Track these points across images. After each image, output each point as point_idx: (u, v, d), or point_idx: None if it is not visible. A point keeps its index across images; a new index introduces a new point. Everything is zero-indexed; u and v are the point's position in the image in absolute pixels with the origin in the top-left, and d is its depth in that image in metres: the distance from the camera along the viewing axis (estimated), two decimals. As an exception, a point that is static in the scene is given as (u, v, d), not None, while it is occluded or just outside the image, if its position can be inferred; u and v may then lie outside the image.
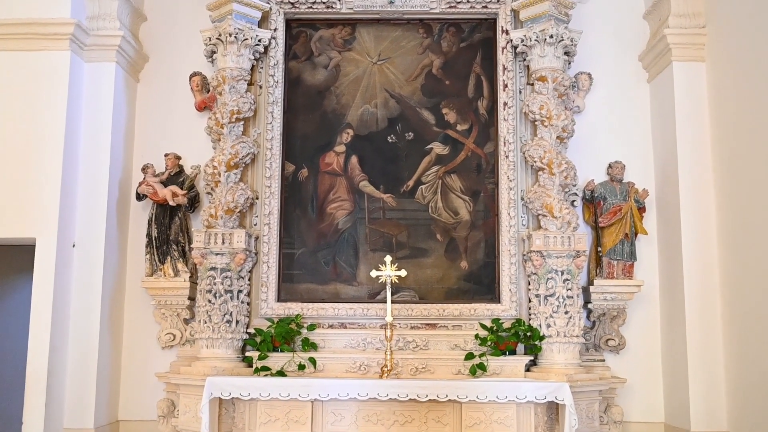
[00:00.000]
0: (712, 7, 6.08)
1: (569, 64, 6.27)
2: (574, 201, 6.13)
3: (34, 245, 5.86)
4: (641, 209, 6.22)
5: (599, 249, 6.19)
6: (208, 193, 6.12)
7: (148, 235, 6.28)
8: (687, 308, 5.91)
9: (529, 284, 5.96)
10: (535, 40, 5.98)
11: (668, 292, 6.22)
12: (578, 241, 5.82)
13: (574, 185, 6.07)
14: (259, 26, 6.22)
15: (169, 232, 6.27)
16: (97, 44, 6.28)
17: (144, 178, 6.29)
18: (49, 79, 5.98)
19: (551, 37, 5.93)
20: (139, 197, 6.33)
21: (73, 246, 6.09)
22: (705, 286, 5.95)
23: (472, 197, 6.26)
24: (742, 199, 5.62)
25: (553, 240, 5.81)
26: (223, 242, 5.88)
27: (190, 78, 6.53)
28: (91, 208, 6.16)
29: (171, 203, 6.20)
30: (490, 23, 6.41)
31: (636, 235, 6.19)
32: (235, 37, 6.02)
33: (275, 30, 6.32)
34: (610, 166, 6.30)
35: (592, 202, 6.24)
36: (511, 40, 6.17)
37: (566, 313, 5.76)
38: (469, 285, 6.16)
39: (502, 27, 6.29)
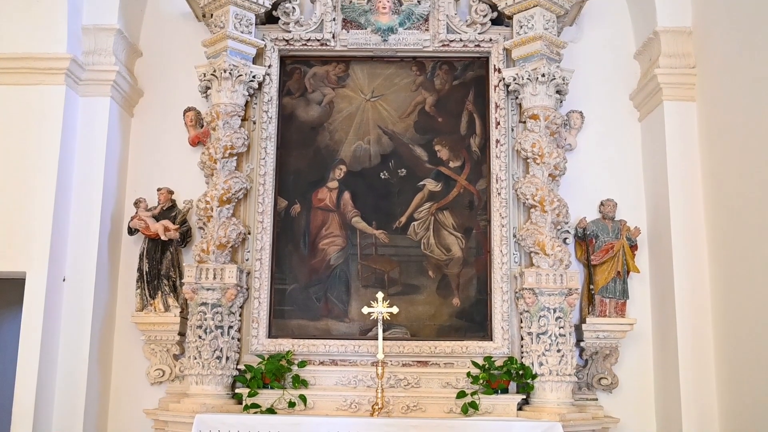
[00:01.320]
0: (701, 48, 6.16)
1: (561, 102, 6.32)
2: (566, 238, 6.14)
3: (24, 279, 5.82)
4: (633, 247, 6.23)
5: (591, 287, 6.18)
6: (200, 227, 6.11)
7: (139, 269, 6.25)
8: (680, 347, 5.88)
9: (522, 322, 5.94)
10: (527, 78, 6.03)
11: (661, 330, 6.20)
12: (570, 279, 5.82)
13: (566, 223, 6.08)
14: (254, 62, 6.26)
15: (160, 267, 6.24)
16: (93, 79, 6.31)
17: (136, 213, 6.29)
18: (43, 113, 6.00)
19: (543, 75, 5.99)
20: (131, 231, 6.32)
21: (64, 280, 6.05)
22: (697, 324, 5.93)
23: (465, 234, 6.26)
24: (734, 237, 5.64)
25: (546, 277, 5.80)
26: (215, 277, 5.85)
27: (184, 113, 6.56)
28: (82, 242, 6.13)
29: (163, 238, 6.18)
30: (483, 62, 6.46)
31: (628, 273, 6.19)
32: (230, 73, 6.06)
33: (269, 66, 6.36)
34: (602, 203, 6.33)
35: (584, 239, 6.25)
36: (504, 79, 6.21)
37: (559, 351, 5.73)
38: (461, 322, 6.13)
39: (494, 65, 6.35)
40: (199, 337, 5.80)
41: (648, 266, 6.39)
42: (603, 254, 6.15)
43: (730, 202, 5.69)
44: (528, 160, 6.04)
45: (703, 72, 6.13)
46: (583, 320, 6.19)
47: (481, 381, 5.75)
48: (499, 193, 6.16)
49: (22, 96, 6.02)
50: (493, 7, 6.32)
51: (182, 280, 6.02)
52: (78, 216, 6.17)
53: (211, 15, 6.26)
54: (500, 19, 6.38)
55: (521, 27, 6.13)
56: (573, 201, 6.17)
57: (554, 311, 5.78)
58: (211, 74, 6.12)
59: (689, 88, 6.23)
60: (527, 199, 5.96)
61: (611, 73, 6.72)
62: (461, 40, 6.38)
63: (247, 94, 6.21)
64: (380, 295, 5.66)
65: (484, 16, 6.35)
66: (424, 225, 6.28)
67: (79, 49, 6.30)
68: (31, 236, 5.84)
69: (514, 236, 6.09)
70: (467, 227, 6.28)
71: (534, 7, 6.07)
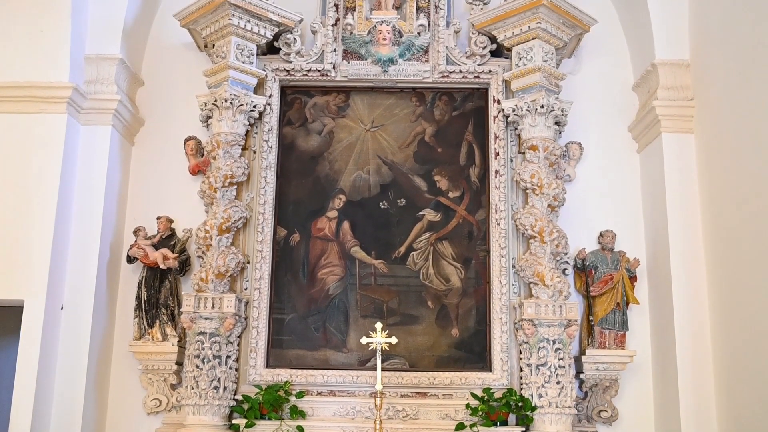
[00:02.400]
0: (699, 81, 6.20)
1: (560, 133, 6.35)
2: (565, 269, 6.13)
3: (22, 307, 5.80)
4: (632, 278, 6.23)
5: (591, 318, 6.16)
6: (200, 256, 6.10)
7: (138, 298, 6.24)
8: (680, 379, 5.85)
9: (521, 353, 5.91)
10: (527, 110, 6.07)
11: (661, 362, 6.17)
12: (570, 310, 5.80)
13: (566, 254, 6.08)
14: (255, 92, 6.30)
15: (158, 296, 6.23)
16: (94, 108, 6.34)
17: (135, 241, 6.29)
18: (44, 142, 6.02)
19: (542, 107, 6.03)
20: (130, 260, 6.32)
21: (62, 308, 6.04)
22: (698, 357, 5.90)
23: (464, 264, 6.26)
24: (733, 270, 5.63)
25: (545, 309, 5.78)
26: (213, 306, 5.84)
27: (185, 142, 6.59)
28: (81, 270, 6.12)
29: (162, 266, 6.17)
30: (482, 93, 6.50)
31: (628, 304, 6.17)
32: (231, 102, 6.09)
33: (270, 96, 6.40)
34: (601, 234, 6.33)
35: (583, 270, 6.25)
36: (503, 110, 6.25)
37: (558, 383, 5.70)
38: (460, 353, 6.09)
39: (493, 96, 6.38)
40: (197, 366, 5.77)
41: (647, 298, 6.37)
42: (602, 285, 6.14)
43: (729, 234, 5.69)
44: (527, 191, 6.05)
45: (701, 104, 6.17)
46: (582, 352, 6.16)
47: (480, 413, 5.70)
48: (498, 224, 6.16)
49: (24, 124, 6.04)
50: (493, 39, 6.37)
51: (180, 309, 6.00)
52: (77, 244, 6.16)
53: (213, 45, 6.32)
54: (499, 51, 6.43)
55: (520, 59, 6.18)
56: (572, 232, 6.17)
57: (554, 342, 5.76)
58: (212, 104, 6.15)
59: (687, 120, 6.27)
60: (526, 230, 5.96)
61: (610, 105, 6.77)
62: (461, 71, 6.42)
63: (247, 123, 6.24)
64: (379, 325, 5.63)
65: (484, 48, 6.40)
66: (424, 255, 6.28)
67: (82, 78, 6.34)
68: (30, 264, 5.84)
69: (514, 267, 6.08)
70: (466, 257, 6.27)
71: (533, 39, 6.12)
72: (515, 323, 5.97)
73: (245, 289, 6.12)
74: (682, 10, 6.35)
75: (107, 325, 6.34)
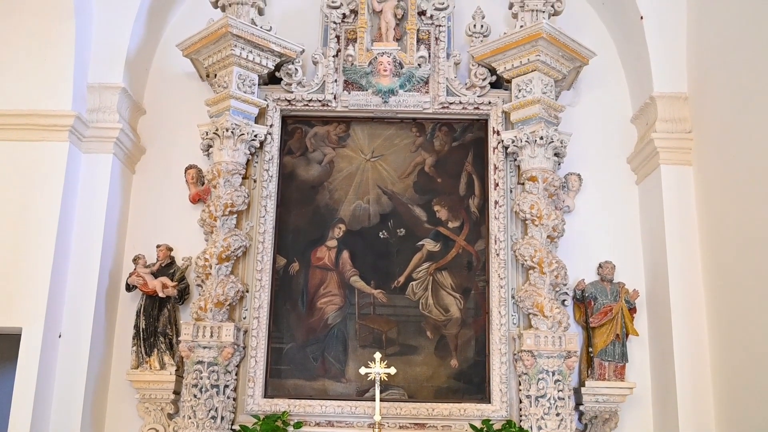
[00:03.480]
0: (697, 114, 6.25)
1: (559, 164, 6.39)
2: (564, 300, 6.13)
3: (20, 335, 5.78)
4: (632, 310, 6.22)
5: (590, 349, 6.14)
6: (199, 285, 6.10)
7: (136, 326, 6.22)
8: (680, 412, 5.81)
9: (520, 384, 5.88)
10: (526, 141, 6.10)
11: (661, 394, 6.15)
12: (569, 342, 5.79)
13: (565, 284, 6.07)
14: (256, 122, 6.34)
15: (157, 324, 6.21)
16: (96, 136, 6.37)
17: (135, 269, 6.28)
18: (45, 169, 6.04)
19: (541, 138, 6.06)
20: (129, 288, 6.31)
21: (60, 336, 6.02)
22: (697, 389, 5.87)
23: (463, 294, 6.25)
24: (733, 301, 5.63)
25: (544, 340, 5.77)
26: (212, 335, 5.82)
27: (186, 170, 6.61)
28: (79, 298, 6.11)
29: (161, 295, 6.17)
30: (482, 124, 6.54)
31: (627, 336, 6.16)
32: (232, 132, 6.13)
33: (271, 126, 6.43)
34: (600, 265, 6.33)
35: (582, 301, 6.24)
36: (502, 141, 6.28)
37: (558, 415, 5.66)
38: (459, 384, 6.07)
39: (493, 128, 6.42)
40: (195, 396, 5.73)
41: (647, 329, 6.36)
42: (602, 317, 6.13)
43: (728, 266, 5.70)
44: (526, 222, 6.06)
45: (700, 137, 6.21)
46: (582, 383, 6.13)
47: (479, 444, 5.67)
48: (497, 254, 6.16)
49: (26, 152, 6.06)
50: (492, 71, 6.42)
51: (179, 338, 5.97)
52: (76, 272, 6.16)
53: (215, 75, 6.37)
54: (499, 83, 6.48)
55: (520, 90, 6.23)
56: (571, 263, 6.17)
57: (553, 374, 5.74)
58: (214, 133, 6.19)
59: (686, 152, 6.30)
60: (526, 261, 5.96)
61: (609, 137, 6.81)
62: (461, 102, 6.46)
63: (248, 152, 6.27)
64: (378, 355, 5.62)
65: (484, 79, 6.45)
66: (423, 285, 6.27)
67: (84, 107, 6.37)
68: (29, 292, 5.82)
69: (513, 297, 6.08)
70: (466, 288, 6.27)
71: (532, 71, 6.17)
72: (514, 354, 5.95)
73: (244, 318, 6.11)
74: (679, 43, 6.41)
75: (105, 354, 6.31)
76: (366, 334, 6.19)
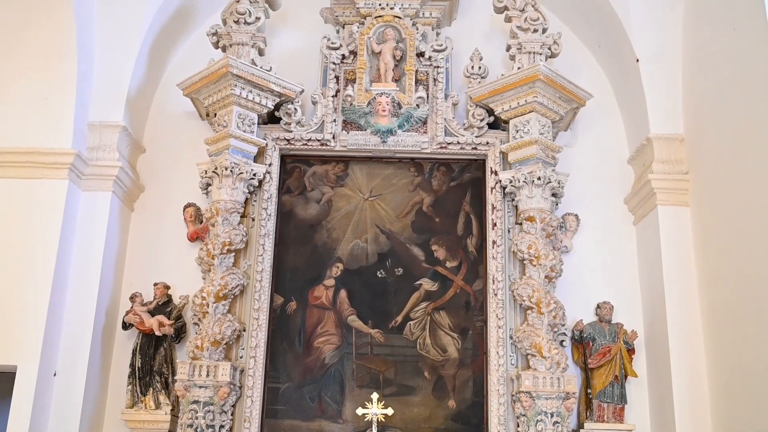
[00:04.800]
0: (693, 155, 6.30)
1: (557, 205, 6.41)
2: (563, 341, 6.10)
3: (15, 373, 5.74)
4: (630, 351, 6.19)
5: (589, 391, 6.10)
6: (195, 323, 6.07)
7: (132, 365, 6.18)
8: (680, 454, 5.78)
9: (518, 426, 5.82)
10: (524, 181, 6.13)
11: (660, 437, 6.10)
12: (568, 383, 5.74)
13: (563, 325, 6.05)
14: (255, 161, 6.37)
15: (153, 363, 6.17)
16: (95, 174, 6.40)
17: (131, 307, 6.26)
18: (44, 207, 6.06)
19: (539, 179, 6.09)
20: (125, 326, 6.28)
21: (54, 375, 5.97)
22: (697, 430, 5.82)
23: (461, 335, 6.22)
24: (731, 342, 5.61)
25: (543, 381, 5.73)
26: (208, 375, 5.78)
27: (184, 209, 6.63)
28: (75, 336, 6.08)
29: (157, 333, 6.14)
30: (480, 164, 6.58)
31: (626, 377, 6.13)
32: (231, 170, 6.15)
33: (270, 165, 6.46)
34: (598, 306, 6.32)
35: (581, 342, 6.22)
36: (500, 181, 6.31)
37: (556, 457, 5.61)
38: (457, 425, 6.01)
39: (491, 168, 6.45)
40: (190, 436, 5.68)
41: (646, 370, 6.33)
42: (600, 357, 6.10)
43: (727, 307, 5.69)
44: (524, 262, 6.06)
45: (696, 178, 6.25)
46: (581, 425, 6.08)
47: (477, 487, 5.60)
48: (495, 294, 6.15)
49: (25, 189, 6.09)
50: (490, 112, 6.47)
51: (175, 377, 5.93)
52: (73, 310, 6.14)
53: (215, 114, 6.41)
54: (497, 123, 6.52)
55: (517, 131, 6.27)
56: (569, 303, 6.15)
57: (552, 416, 5.69)
58: (213, 171, 6.21)
59: (683, 193, 6.34)
60: (524, 301, 5.95)
61: (606, 177, 6.85)
62: (458, 142, 6.50)
63: (247, 191, 6.29)
64: (375, 395, 5.59)
65: (481, 120, 6.50)
66: (421, 325, 6.25)
67: (84, 145, 6.41)
68: (25, 330, 5.80)
69: (511, 338, 6.04)
70: (463, 328, 6.24)
71: (530, 112, 6.22)
72: (513, 395, 5.90)
73: (240, 358, 6.07)
74: (675, 85, 6.48)
75: (100, 392, 6.26)
76: (363, 374, 6.15)
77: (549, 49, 6.42)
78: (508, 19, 6.55)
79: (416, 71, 6.61)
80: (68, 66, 6.22)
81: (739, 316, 5.49)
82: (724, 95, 5.78)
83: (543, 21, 6.44)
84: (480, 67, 6.63)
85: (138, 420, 6.04)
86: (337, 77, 6.68)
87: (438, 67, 6.64)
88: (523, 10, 6.48)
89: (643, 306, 6.52)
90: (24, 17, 6.18)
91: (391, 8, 6.69)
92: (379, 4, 6.70)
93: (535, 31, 6.42)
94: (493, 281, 6.18)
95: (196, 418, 5.71)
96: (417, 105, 6.51)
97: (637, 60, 6.49)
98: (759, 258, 5.24)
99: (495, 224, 6.32)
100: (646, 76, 6.49)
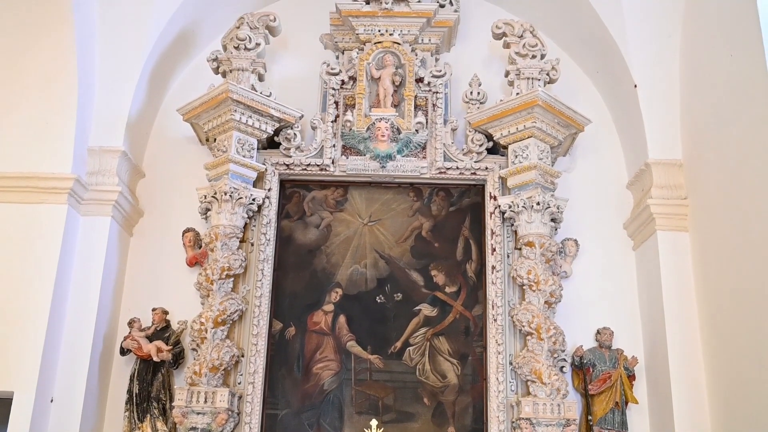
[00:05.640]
0: (692, 180, 6.31)
1: (556, 230, 6.41)
2: (563, 367, 6.07)
3: (11, 399, 5.70)
4: (631, 377, 6.16)
5: (589, 417, 6.05)
6: (194, 349, 6.04)
7: (129, 391, 6.13)
8: (681, 482, 5.73)
9: (519, 453, 5.79)
10: (523, 206, 6.13)
11: (661, 464, 6.05)
12: (568, 410, 5.70)
13: (563, 351, 6.02)
14: (254, 186, 6.37)
15: (150, 389, 6.13)
16: (95, 199, 6.39)
17: (129, 333, 6.23)
18: (43, 232, 6.03)
19: (538, 204, 6.09)
20: (123, 352, 6.25)
21: (51, 401, 5.93)
22: (699, 458, 5.80)
23: (460, 360, 6.19)
24: (732, 367, 5.59)
25: (543, 407, 5.69)
26: (206, 401, 5.74)
27: (183, 234, 6.62)
28: (73, 362, 6.03)
29: (155, 359, 6.10)
30: (479, 189, 6.58)
31: (627, 403, 6.08)
32: (230, 195, 6.15)
33: (269, 190, 6.47)
34: (598, 332, 6.30)
35: (581, 368, 6.18)
36: (499, 206, 6.31)
37: (557, 485, 5.56)
38: (456, 452, 5.98)
39: (490, 193, 6.46)
40: (187, 463, 5.63)
41: (646, 397, 6.29)
42: (600, 384, 6.07)
43: (727, 331, 5.67)
44: (524, 287, 6.05)
45: (695, 203, 6.26)
46: (581, 452, 6.04)
47: None
48: (495, 320, 6.12)
49: (24, 214, 6.06)
50: (489, 137, 6.49)
51: (172, 403, 5.89)
52: (70, 335, 6.09)
53: (215, 139, 6.43)
54: (496, 149, 6.54)
55: (516, 156, 6.29)
56: (569, 329, 6.13)
57: (552, 443, 5.65)
58: (212, 196, 6.22)
59: (682, 218, 6.34)
60: (523, 326, 5.93)
61: (605, 202, 6.85)
62: (458, 167, 6.51)
63: (246, 216, 6.29)
64: (374, 422, 5.54)
65: (480, 145, 6.52)
66: (420, 350, 6.22)
67: (84, 170, 6.41)
68: (22, 355, 5.76)
69: (511, 363, 6.01)
70: (463, 353, 6.21)
71: (528, 138, 6.24)
72: (513, 422, 5.85)
73: (239, 384, 6.03)
74: (673, 111, 6.49)
75: (97, 419, 6.21)
76: (362, 401, 6.11)
77: (547, 75, 6.46)
78: (507, 45, 6.60)
79: (415, 97, 6.64)
80: (69, 91, 6.23)
81: (739, 342, 5.47)
82: (722, 121, 5.80)
83: (541, 47, 6.49)
84: (479, 93, 6.66)
85: (135, 447, 6.00)
86: (336, 102, 6.71)
87: (437, 92, 6.66)
88: (522, 36, 6.53)
89: (643, 331, 6.49)
90: (25, 42, 6.21)
91: (391, 34, 6.74)
92: (379, 31, 6.75)
93: (534, 57, 6.47)
94: (493, 306, 6.16)
95: (194, 445, 5.67)
96: (416, 130, 6.53)
97: (635, 86, 6.52)
98: (759, 283, 5.22)
99: (494, 249, 6.31)
100: (644, 102, 6.51)
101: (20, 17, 6.15)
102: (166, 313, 6.35)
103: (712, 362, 5.88)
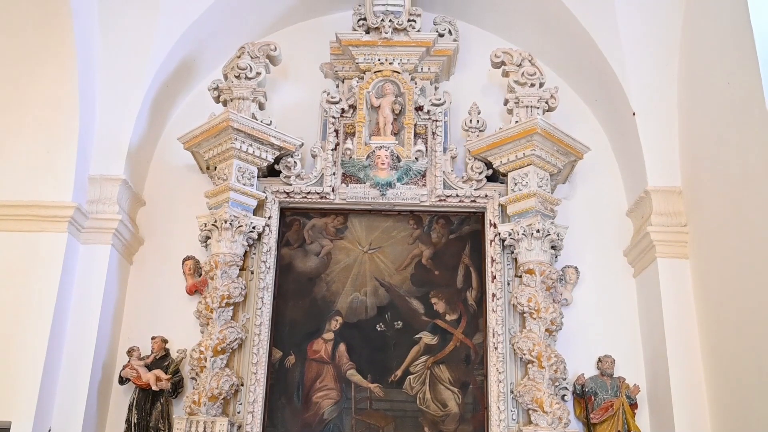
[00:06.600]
0: (692, 207, 6.31)
1: (556, 257, 6.40)
2: (564, 395, 6.03)
3: (9, 429, 5.65)
4: (633, 405, 6.11)
5: (592, 447, 6.02)
6: (193, 378, 6.00)
7: (128, 421, 6.08)
8: None
9: (520, 483, 5.73)
10: (523, 234, 6.13)
11: (665, 494, 5.99)
12: (570, 439, 5.67)
13: (564, 379, 5.99)
14: (254, 214, 6.38)
15: (149, 419, 6.08)
16: (95, 227, 6.39)
17: (128, 361, 6.20)
18: (43, 261, 6.02)
19: (538, 231, 6.09)
20: (122, 381, 6.21)
21: (49, 431, 5.88)
22: (702, 487, 5.75)
23: (461, 389, 6.15)
24: (734, 395, 5.55)
25: (544, 436, 5.66)
26: (205, 431, 5.70)
27: (183, 261, 6.61)
28: (71, 391, 5.99)
29: (154, 388, 6.07)
30: (479, 216, 6.59)
31: (629, 432, 6.05)
32: (231, 223, 6.16)
33: (269, 218, 6.47)
34: (599, 360, 6.27)
35: (582, 397, 6.14)
36: (499, 234, 6.31)
37: None
38: (458, 483, 5.92)
39: (490, 220, 6.46)
40: (185, 494, 5.57)
41: (649, 425, 6.23)
42: (603, 412, 6.02)
43: (729, 359, 5.64)
44: (524, 315, 6.03)
45: (695, 230, 6.26)
46: (584, 482, 5.98)
47: None
48: (495, 348, 6.10)
49: (24, 242, 6.05)
50: (489, 165, 6.51)
51: (171, 433, 5.86)
52: (69, 364, 6.06)
53: (215, 167, 6.45)
54: (495, 176, 6.56)
55: (516, 184, 6.30)
56: (570, 357, 6.10)
57: (554, 472, 5.60)
58: (212, 224, 6.22)
59: (682, 245, 6.33)
60: (524, 355, 5.90)
61: (605, 230, 6.85)
62: (457, 195, 6.52)
63: (246, 244, 6.28)
64: (374, 452, 5.50)
65: (480, 173, 6.54)
66: (420, 379, 6.18)
67: (84, 198, 6.42)
68: (19, 385, 5.71)
69: (512, 392, 5.98)
70: (464, 382, 6.18)
71: (528, 165, 6.26)
72: (514, 451, 5.82)
73: (238, 413, 5.99)
74: (672, 138, 6.51)
75: (95, 449, 6.16)
76: (362, 430, 6.06)
77: (546, 103, 6.50)
78: (506, 74, 6.65)
79: (415, 125, 6.67)
80: (70, 119, 6.26)
81: (741, 369, 5.44)
82: (720, 148, 5.82)
83: (540, 76, 6.53)
84: (478, 121, 6.70)
85: (133, 477, 5.94)
86: (336, 131, 6.74)
87: (436, 120, 6.70)
88: (521, 65, 6.58)
89: (644, 359, 6.46)
90: (27, 71, 6.24)
91: (390, 63, 6.79)
92: (378, 59, 6.80)
93: (533, 85, 6.51)
94: (493, 334, 6.14)
95: (193, 476, 5.61)
96: (416, 158, 6.55)
97: (634, 113, 6.55)
98: (760, 310, 5.21)
99: (494, 277, 6.30)
100: (642, 130, 6.54)
101: (22, 46, 6.20)
102: (165, 341, 6.33)
103: (714, 390, 5.84)
